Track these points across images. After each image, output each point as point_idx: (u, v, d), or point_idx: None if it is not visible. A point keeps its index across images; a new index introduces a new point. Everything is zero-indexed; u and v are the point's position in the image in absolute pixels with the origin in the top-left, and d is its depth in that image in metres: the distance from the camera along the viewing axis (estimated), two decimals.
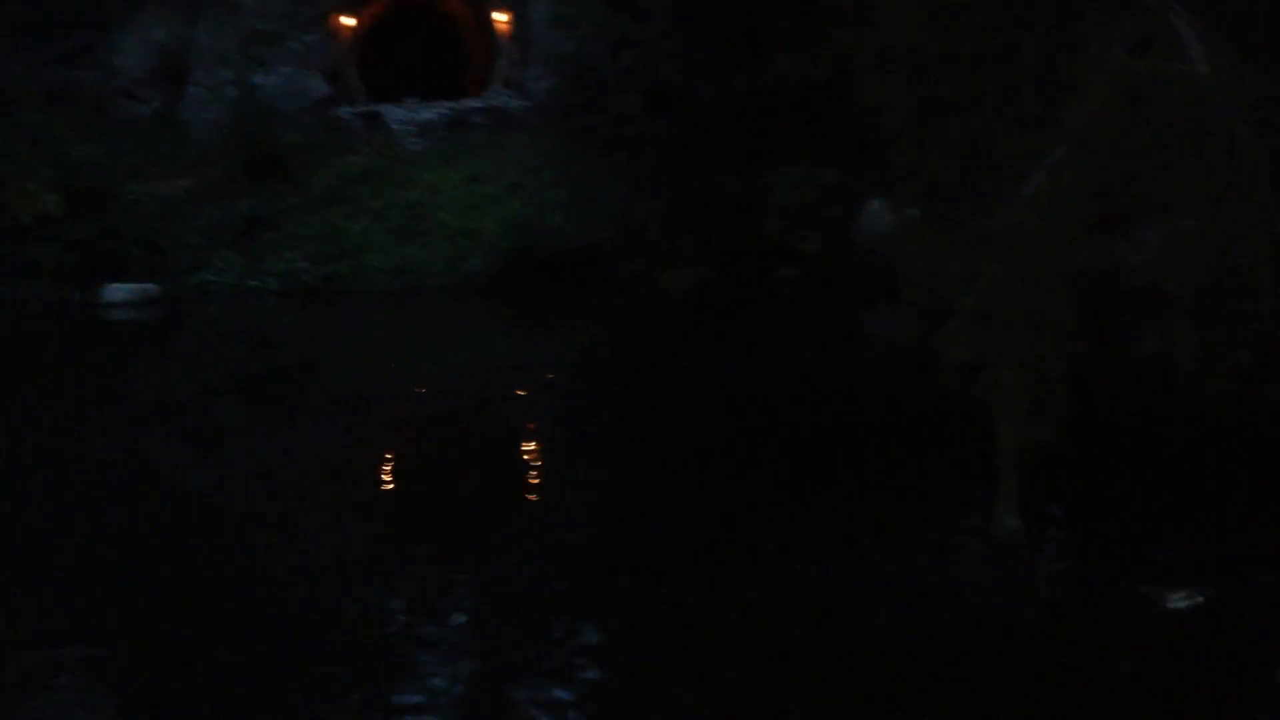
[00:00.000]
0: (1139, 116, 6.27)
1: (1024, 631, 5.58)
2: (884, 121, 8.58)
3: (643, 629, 5.62)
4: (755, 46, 17.41)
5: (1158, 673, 5.02)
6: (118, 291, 16.55)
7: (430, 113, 21.16)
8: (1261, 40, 7.29)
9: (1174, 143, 6.14)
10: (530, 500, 7.88)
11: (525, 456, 9.03)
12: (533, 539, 7.01)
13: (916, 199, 9.18)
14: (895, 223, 10.73)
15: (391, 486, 8.27)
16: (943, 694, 4.84)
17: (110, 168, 18.45)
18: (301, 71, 20.80)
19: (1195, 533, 6.52)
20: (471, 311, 16.45)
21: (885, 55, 8.44)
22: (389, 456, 9.03)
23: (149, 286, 16.79)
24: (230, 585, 6.30)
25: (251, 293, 17.12)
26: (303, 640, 5.57)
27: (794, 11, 17.04)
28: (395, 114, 21.03)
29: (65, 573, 6.51)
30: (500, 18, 22.03)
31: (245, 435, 10.12)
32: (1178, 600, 5.51)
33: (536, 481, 8.31)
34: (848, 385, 10.41)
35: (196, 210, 18.40)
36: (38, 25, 20.49)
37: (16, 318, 16.14)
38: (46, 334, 15.56)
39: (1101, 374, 7.60)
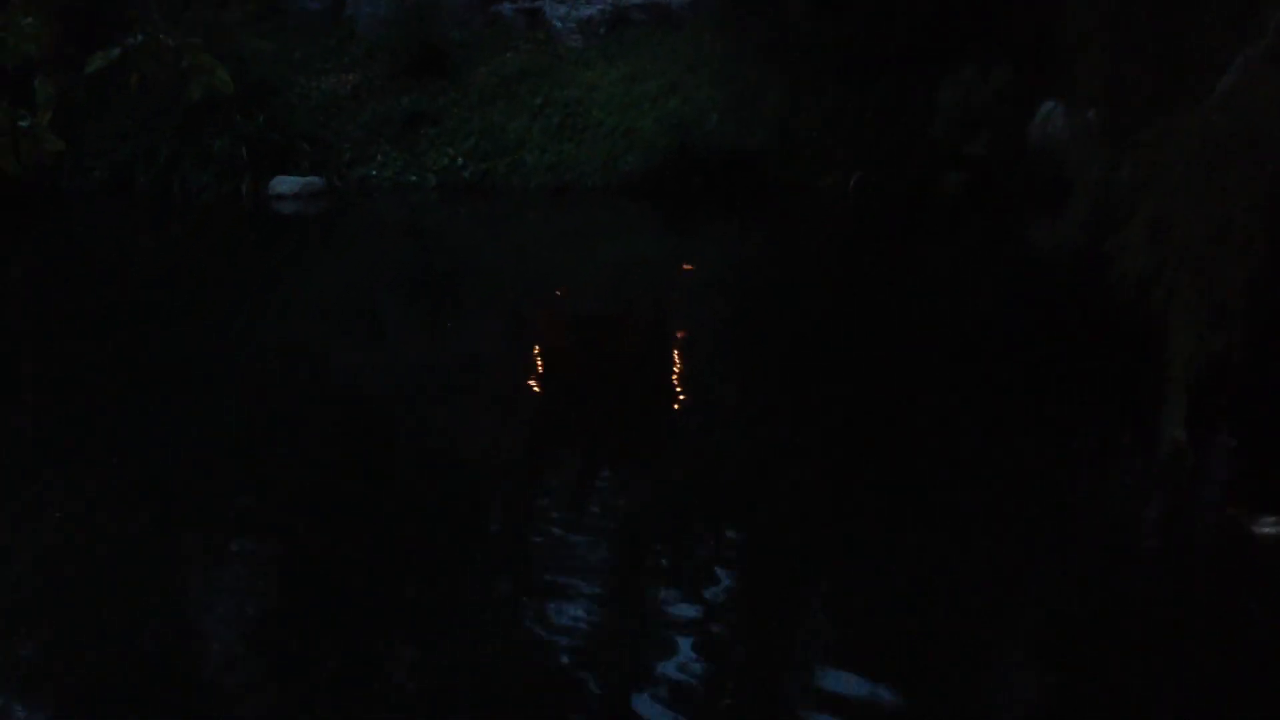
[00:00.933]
0: None
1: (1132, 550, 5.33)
2: (1069, 17, 8.11)
3: (785, 533, 5.58)
4: None
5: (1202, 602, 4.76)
6: (285, 184, 17.08)
7: (591, 9, 20.93)
8: None
9: None
10: (677, 404, 7.85)
11: (676, 361, 9.00)
12: (678, 443, 7.00)
13: (1096, 101, 8.67)
14: (1071, 126, 10.18)
15: (543, 387, 8.34)
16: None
17: (280, 63, 18.89)
18: None
19: None
20: (626, 211, 16.42)
21: None
22: (542, 356, 9.10)
23: (314, 180, 17.27)
24: (386, 476, 6.49)
25: (411, 188, 17.45)
26: (453, 533, 5.71)
27: None
28: (556, 10, 20.89)
29: (232, 459, 6.80)
30: None
31: (405, 332, 10.37)
32: (1267, 525, 5.18)
33: (683, 386, 8.27)
34: (1012, 296, 10.06)
35: (360, 106, 18.78)
36: None
37: (190, 208, 16.84)
38: (217, 225, 16.21)
39: None
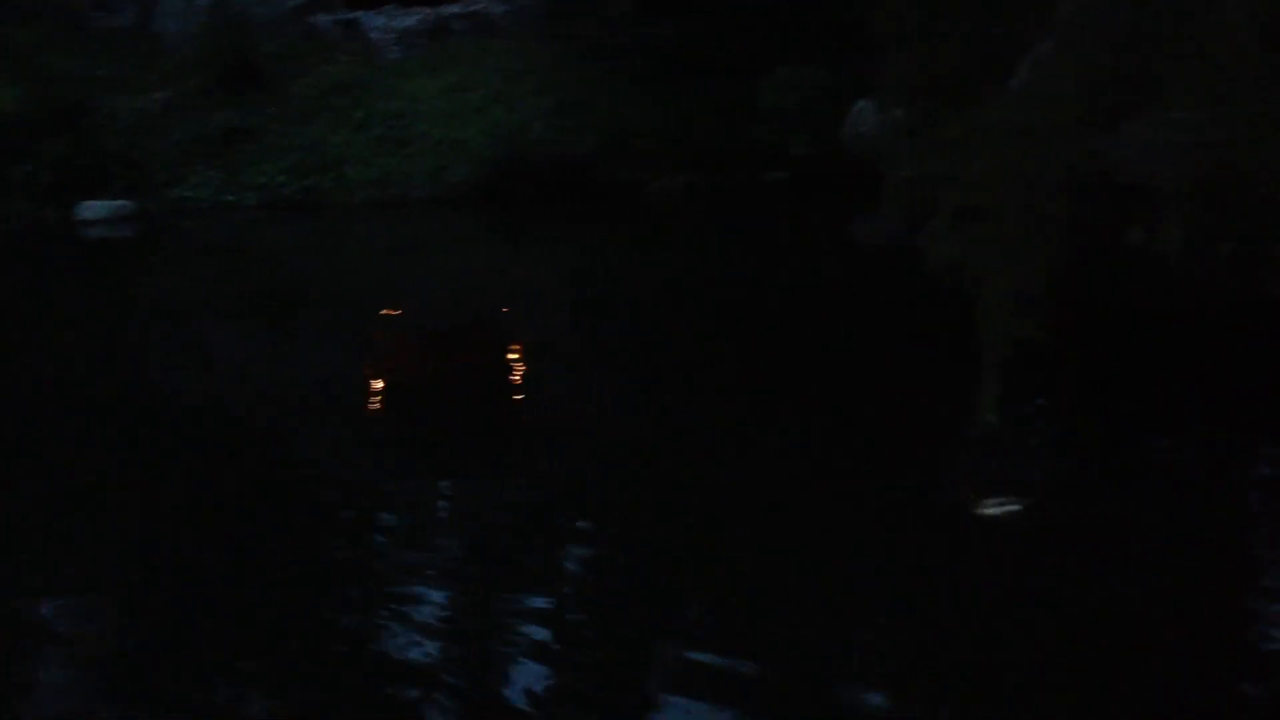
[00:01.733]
0: (1129, 4, 6.08)
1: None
2: (874, 17, 8.36)
3: (639, 529, 5.57)
4: None
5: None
6: (93, 208, 16.32)
7: (410, 19, 20.68)
8: None
9: (1166, 32, 5.96)
10: (521, 414, 7.78)
11: (515, 370, 8.92)
12: (523, 449, 6.94)
13: (903, 97, 8.96)
14: (881, 123, 10.51)
15: (383, 404, 8.15)
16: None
17: (85, 81, 18.10)
18: None
19: (1174, 429, 6.46)
20: (455, 223, 16.23)
21: None
22: (378, 373, 8.90)
23: (125, 203, 16.57)
24: (228, 500, 6.23)
25: (230, 207, 16.89)
26: (300, 553, 5.53)
27: None
28: (374, 21, 20.57)
29: (63, 491, 6.43)
30: None
31: (234, 356, 9.98)
32: (991, 507, 5.44)
33: (525, 396, 8.21)
34: (833, 287, 10.29)
35: (172, 124, 18.10)
36: None
37: None
38: (22, 253, 15.36)
39: (1089, 270, 7.48)
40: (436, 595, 4.90)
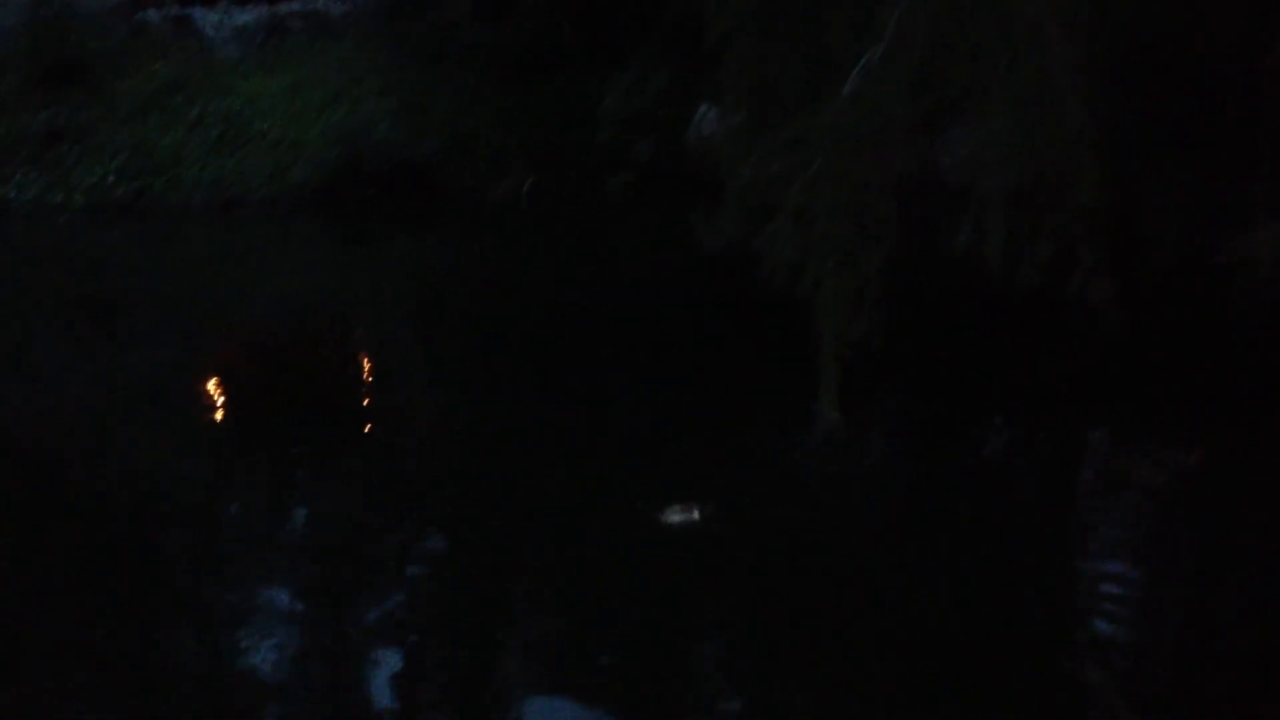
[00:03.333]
0: (952, 13, 6.33)
1: None
2: (714, 22, 8.49)
3: (475, 532, 5.58)
4: None
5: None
6: None
7: (246, 16, 20.09)
8: None
9: (985, 41, 6.23)
10: (362, 424, 7.67)
11: (352, 379, 8.80)
12: (364, 454, 6.86)
13: (743, 102, 9.14)
14: (723, 128, 10.70)
15: (218, 416, 7.95)
16: None
17: None
18: None
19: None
20: (295, 227, 15.86)
21: None
22: (211, 384, 8.67)
23: None
24: (54, 514, 5.99)
25: (56, 209, 16.13)
26: (139, 565, 5.37)
27: None
28: (208, 18, 19.91)
29: None
30: None
31: (53, 362, 9.57)
32: (673, 515, 5.67)
33: (366, 404, 8.11)
34: (676, 290, 10.44)
35: None
36: None
37: None
38: None
39: (919, 271, 7.78)
40: (278, 606, 4.82)
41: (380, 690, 4.29)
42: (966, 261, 6.06)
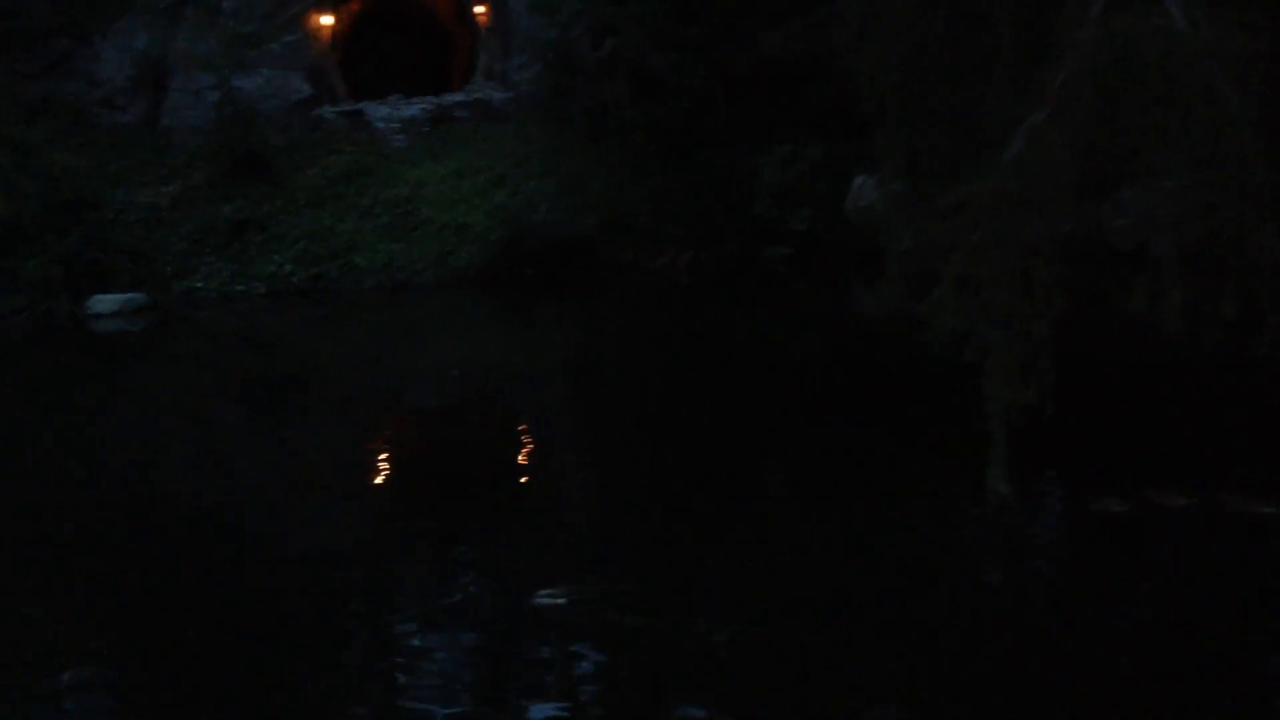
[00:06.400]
0: (1118, 76, 6.18)
1: None
2: (866, 94, 8.49)
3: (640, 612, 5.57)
4: (737, 25, 17.33)
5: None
6: (104, 302, 16.47)
7: (413, 109, 21.05)
8: None
9: (1155, 101, 6.06)
10: (534, 491, 7.78)
11: (527, 449, 8.94)
12: (541, 527, 6.94)
13: (901, 171, 9.08)
14: (881, 196, 10.64)
15: (398, 485, 8.16)
16: None
17: (93, 177, 18.37)
18: (282, 73, 20.68)
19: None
20: (461, 306, 16.36)
21: (863, 25, 8.37)
22: (392, 456, 8.92)
23: (136, 296, 16.71)
24: (227, 583, 6.23)
25: (239, 297, 17.06)
26: (314, 635, 5.54)
27: None
28: (378, 111, 20.93)
29: (91, 583, 6.42)
30: (479, 9, 21.92)
31: (247, 442, 10.03)
32: (543, 598, 5.50)
33: (540, 473, 8.22)
34: (841, 360, 10.35)
35: (181, 216, 18.37)
36: (16, 35, 20.34)
37: (2, 333, 16.03)
38: (34, 349, 15.46)
39: (1091, 336, 7.53)
40: (437, 681, 4.88)
41: None
42: (1143, 325, 5.84)
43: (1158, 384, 8.14)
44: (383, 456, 8.86)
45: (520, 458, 8.56)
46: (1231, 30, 6.20)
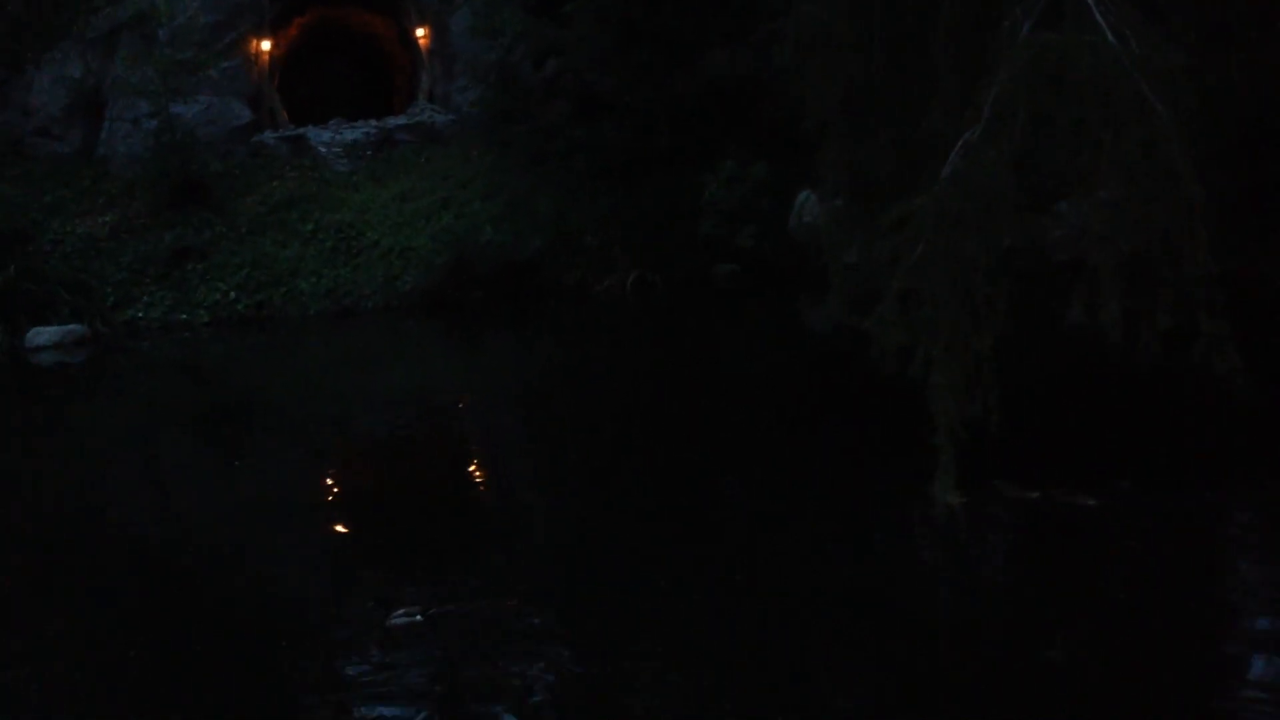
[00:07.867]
0: (1051, 91, 6.28)
1: None
2: (809, 112, 8.58)
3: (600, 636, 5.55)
4: (679, 47, 17.43)
5: None
6: (43, 334, 16.18)
7: (355, 133, 20.97)
8: (1171, 8, 7.38)
9: (1087, 115, 6.16)
10: (484, 519, 7.73)
11: (475, 476, 8.89)
12: (491, 554, 6.90)
13: (843, 188, 9.17)
14: (824, 213, 10.74)
15: (345, 514, 8.07)
16: None
17: (30, 208, 18.13)
18: (221, 99, 20.50)
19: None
20: (408, 330, 16.28)
21: (805, 46, 8.46)
22: (340, 484, 8.83)
23: (76, 327, 16.43)
24: (180, 617, 6.13)
25: (182, 326, 16.85)
26: (268, 668, 5.46)
27: (715, 9, 17.07)
28: (320, 136, 20.82)
29: (32, 617, 6.29)
30: (420, 32, 21.87)
31: (192, 472, 9.88)
32: (397, 618, 5.53)
33: (488, 500, 8.18)
34: (788, 375, 10.40)
35: (121, 246, 18.13)
36: None
37: None
38: None
39: (1032, 349, 7.64)
40: (396, 711, 4.82)
41: None
42: (1082, 336, 5.93)
43: (1098, 394, 8.25)
44: (330, 484, 8.77)
45: (470, 483, 8.50)
46: (1160, 44, 6.34)
